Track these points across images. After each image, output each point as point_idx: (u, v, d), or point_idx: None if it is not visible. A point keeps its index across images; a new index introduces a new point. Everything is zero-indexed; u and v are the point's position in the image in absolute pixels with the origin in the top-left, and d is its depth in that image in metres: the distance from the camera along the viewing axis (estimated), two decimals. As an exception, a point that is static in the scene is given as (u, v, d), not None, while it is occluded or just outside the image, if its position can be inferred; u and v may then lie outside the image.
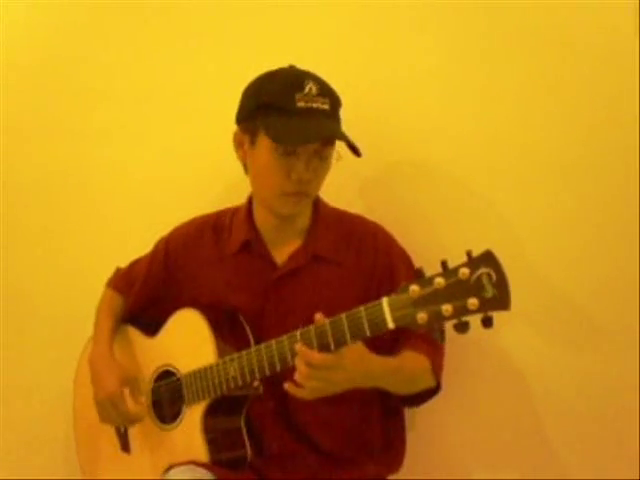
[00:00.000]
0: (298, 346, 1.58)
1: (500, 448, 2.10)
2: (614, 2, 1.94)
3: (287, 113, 1.74)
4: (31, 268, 2.51)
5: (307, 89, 1.75)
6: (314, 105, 1.75)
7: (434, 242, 2.06)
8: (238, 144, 1.88)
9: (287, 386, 1.61)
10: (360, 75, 2.14)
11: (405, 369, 1.77)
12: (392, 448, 1.96)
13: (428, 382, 1.83)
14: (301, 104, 1.74)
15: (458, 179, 2.10)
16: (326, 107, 1.77)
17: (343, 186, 2.05)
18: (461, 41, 2.07)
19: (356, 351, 1.59)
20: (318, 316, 1.59)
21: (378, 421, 1.93)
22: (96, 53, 2.41)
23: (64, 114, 2.45)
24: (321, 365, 1.56)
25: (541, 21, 2.00)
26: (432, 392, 1.86)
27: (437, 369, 1.84)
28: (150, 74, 2.36)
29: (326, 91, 1.79)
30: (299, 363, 1.58)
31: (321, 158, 1.80)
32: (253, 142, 1.83)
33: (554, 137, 2.02)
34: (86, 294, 2.16)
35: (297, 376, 1.59)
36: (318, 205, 1.94)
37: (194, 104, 2.29)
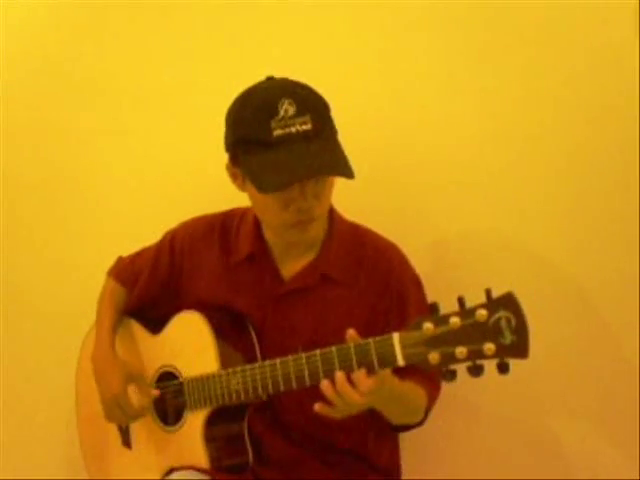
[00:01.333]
0: (356, 374, 1.50)
1: (500, 448, 2.13)
2: (614, 2, 1.93)
3: (265, 146, 1.63)
4: (31, 267, 2.49)
5: (282, 112, 1.62)
6: (293, 130, 1.62)
7: (435, 246, 2.07)
8: (232, 176, 1.79)
9: (318, 407, 1.55)
10: (359, 77, 2.12)
11: (408, 399, 1.73)
12: (388, 458, 1.97)
13: (417, 417, 1.80)
14: (278, 132, 1.62)
15: (458, 179, 2.09)
16: (307, 127, 1.63)
17: (341, 189, 2.03)
18: (461, 41, 2.04)
19: (389, 374, 1.55)
20: (351, 332, 1.52)
21: (372, 434, 1.92)
22: (95, 54, 2.37)
23: (64, 114, 2.42)
24: (370, 392, 1.51)
25: (541, 21, 1.98)
26: (412, 426, 1.84)
27: (429, 408, 1.81)
28: (149, 74, 2.33)
29: (305, 107, 1.64)
30: (343, 386, 1.51)
31: (317, 181, 1.69)
32: (244, 177, 1.74)
33: (554, 137, 2.01)
34: (85, 292, 2.14)
35: (332, 397, 1.53)
36: (333, 219, 1.86)
37: (193, 103, 2.26)
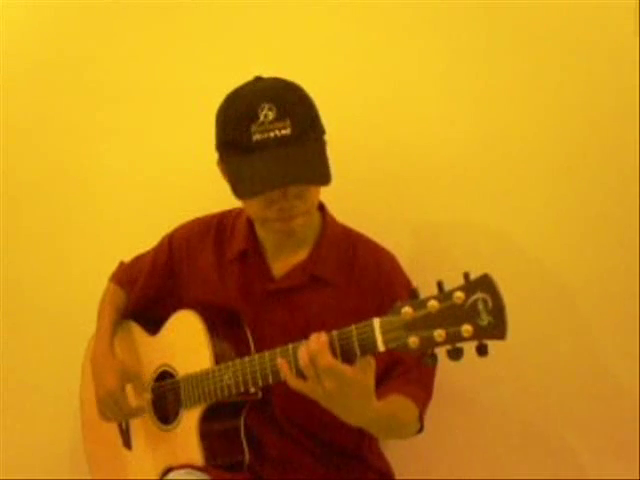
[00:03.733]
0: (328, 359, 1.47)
1: (500, 448, 2.11)
2: (614, 2, 1.93)
3: (244, 151, 1.66)
4: (32, 267, 2.50)
5: (262, 117, 1.65)
6: (271, 134, 1.64)
7: (433, 248, 2.07)
8: (222, 172, 1.82)
9: (280, 362, 1.56)
10: (357, 79, 2.13)
11: (395, 418, 1.69)
12: (378, 460, 1.96)
13: (412, 430, 1.77)
14: (257, 137, 1.65)
15: (456, 182, 2.10)
16: (286, 132, 1.65)
17: (340, 193, 2.03)
18: (459, 43, 2.05)
19: (365, 385, 1.51)
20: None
21: (361, 434, 1.88)
22: (97, 53, 2.39)
23: (64, 113, 2.44)
24: (327, 368, 1.47)
25: (541, 21, 1.99)
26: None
27: (423, 416, 1.78)
28: (151, 74, 2.35)
29: (285, 111, 1.66)
30: (307, 362, 1.49)
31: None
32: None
33: (554, 138, 2.01)
34: (87, 293, 2.16)
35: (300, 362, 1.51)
36: (326, 221, 1.89)
37: (195, 104, 2.26)
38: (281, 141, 1.65)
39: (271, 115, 1.65)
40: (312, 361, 1.48)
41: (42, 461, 2.50)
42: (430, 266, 1.95)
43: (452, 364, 1.89)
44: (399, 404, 1.70)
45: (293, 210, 1.73)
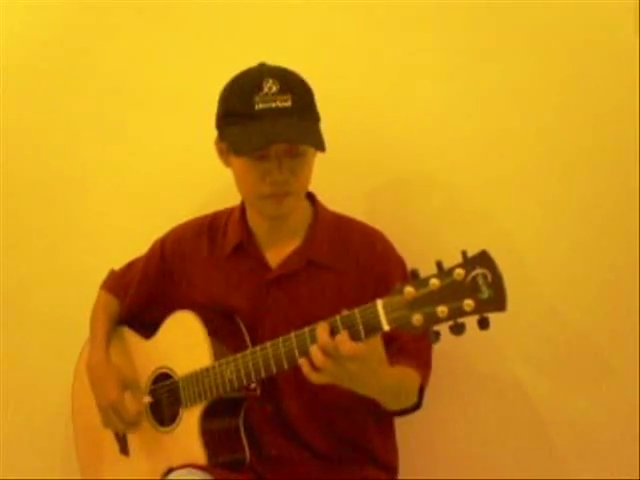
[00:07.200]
0: (339, 337, 1.50)
1: (500, 448, 2.10)
2: (614, 2, 1.94)
3: (246, 118, 1.73)
4: (31, 268, 2.51)
5: (266, 89, 1.72)
6: (273, 105, 1.72)
7: (433, 248, 2.05)
8: (219, 151, 1.88)
9: (302, 362, 1.55)
10: (357, 75, 2.14)
11: (403, 385, 1.74)
12: (387, 452, 1.95)
13: (412, 401, 1.79)
14: (259, 106, 1.72)
15: (457, 181, 2.10)
16: (287, 104, 1.72)
17: (340, 190, 2.05)
18: (460, 41, 2.06)
19: (379, 354, 1.56)
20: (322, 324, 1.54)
21: (372, 426, 1.91)
22: (96, 53, 2.40)
23: (64, 114, 2.45)
24: (352, 355, 1.49)
25: (541, 21, 2.00)
26: (411, 409, 1.82)
27: (423, 392, 1.81)
28: (150, 74, 2.36)
29: (288, 87, 1.74)
30: (316, 350, 1.52)
31: (293, 156, 1.76)
32: (228, 150, 1.82)
33: (554, 137, 2.02)
34: (86, 295, 2.15)
35: (315, 359, 1.52)
36: (317, 209, 1.92)
37: (194, 104, 2.28)
38: (282, 112, 1.73)
39: (274, 88, 1.73)
40: (331, 353, 1.50)
41: (40, 462, 2.50)
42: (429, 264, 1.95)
43: (453, 365, 1.91)
44: (405, 372, 1.74)
45: (286, 185, 1.77)
